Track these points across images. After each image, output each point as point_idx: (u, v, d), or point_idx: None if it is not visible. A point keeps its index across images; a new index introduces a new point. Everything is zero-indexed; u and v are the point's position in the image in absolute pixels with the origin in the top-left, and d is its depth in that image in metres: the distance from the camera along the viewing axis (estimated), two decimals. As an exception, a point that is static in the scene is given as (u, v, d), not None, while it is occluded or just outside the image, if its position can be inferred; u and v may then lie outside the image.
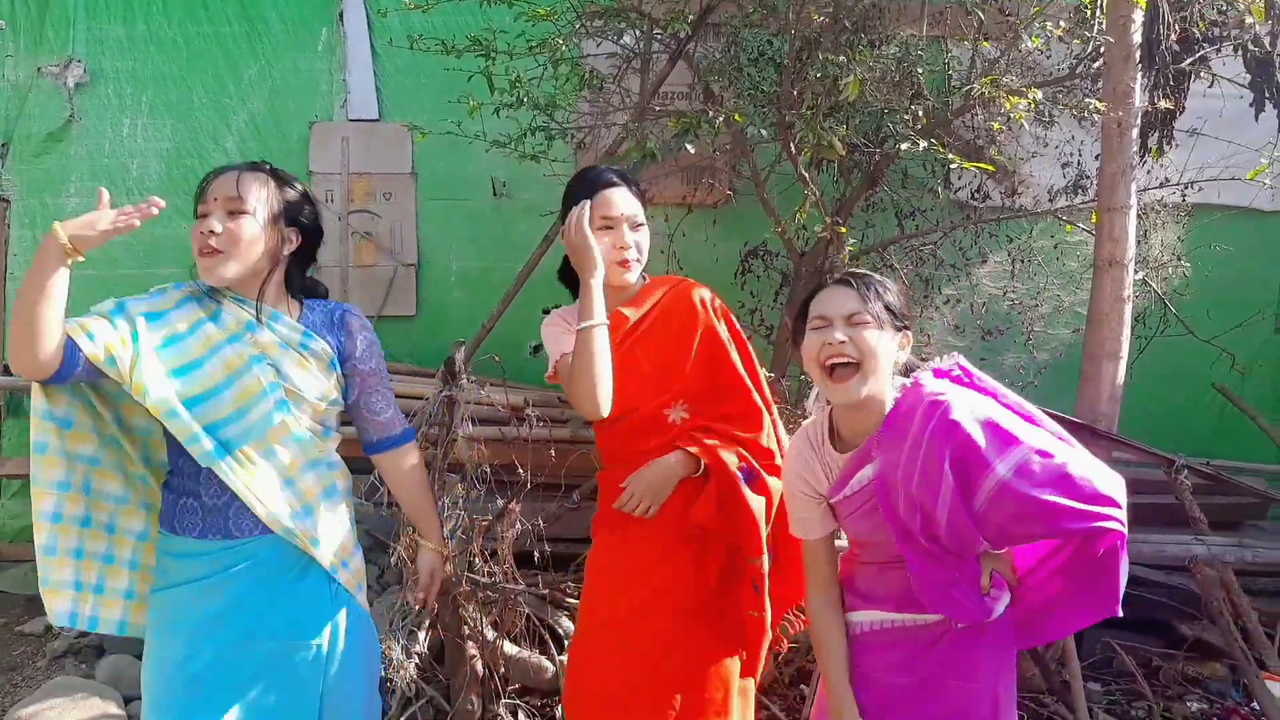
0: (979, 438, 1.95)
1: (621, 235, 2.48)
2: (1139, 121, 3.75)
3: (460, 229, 5.41)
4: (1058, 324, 4.98)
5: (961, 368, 2.19)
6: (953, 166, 3.40)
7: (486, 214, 5.38)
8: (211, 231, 2.09)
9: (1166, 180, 4.50)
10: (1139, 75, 3.66)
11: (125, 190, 5.25)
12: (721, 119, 3.56)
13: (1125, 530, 1.95)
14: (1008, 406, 2.09)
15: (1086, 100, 3.72)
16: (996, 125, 3.81)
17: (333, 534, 2.23)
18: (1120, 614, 2.09)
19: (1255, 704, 3.56)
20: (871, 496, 2.09)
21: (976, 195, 5.03)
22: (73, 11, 5.27)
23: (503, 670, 3.61)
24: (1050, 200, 4.90)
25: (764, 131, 3.74)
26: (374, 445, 2.42)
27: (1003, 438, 1.95)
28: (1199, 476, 3.79)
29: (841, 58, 3.44)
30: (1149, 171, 4.52)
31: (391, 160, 5.37)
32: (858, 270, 2.13)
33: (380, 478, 3.91)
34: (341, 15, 5.35)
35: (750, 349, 2.66)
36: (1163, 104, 4.01)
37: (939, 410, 1.98)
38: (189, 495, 2.14)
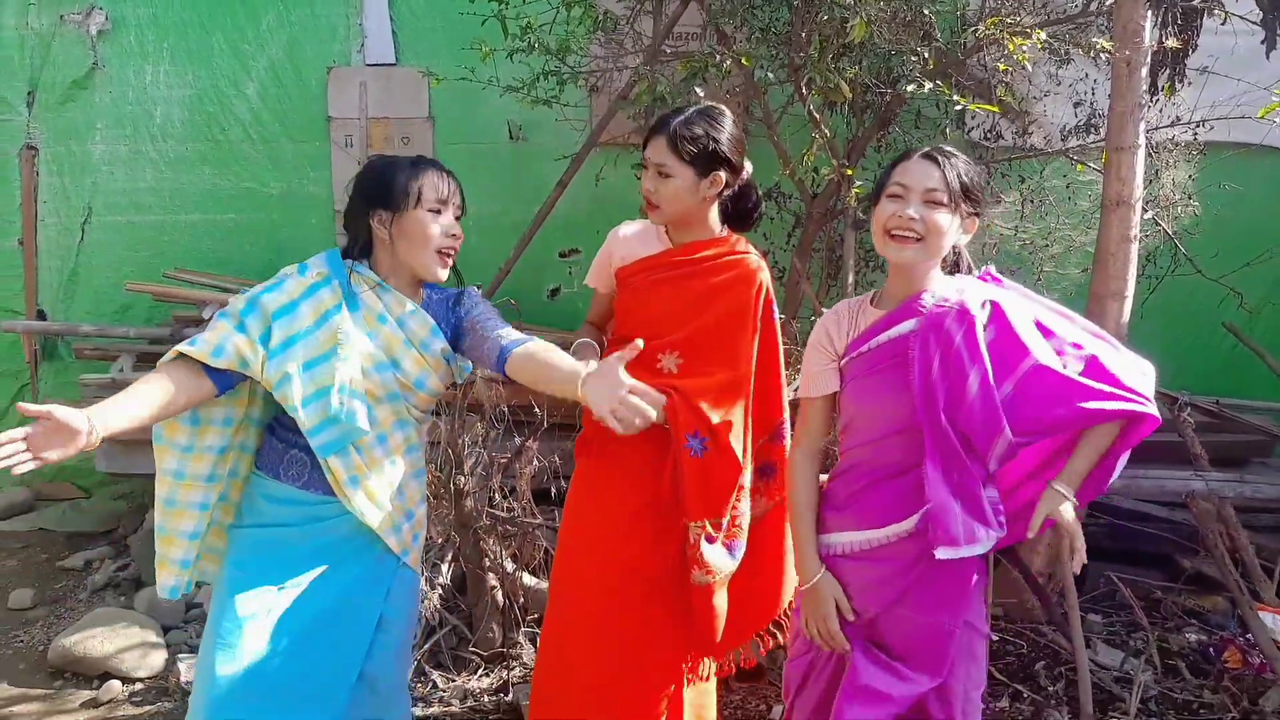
0: (1020, 327, 2.13)
1: (644, 180, 2.59)
2: (1148, 60, 3.74)
3: (478, 173, 5.42)
4: (1069, 264, 4.98)
5: (992, 276, 2.34)
6: (959, 107, 3.42)
7: (503, 158, 5.42)
8: (455, 235, 2.31)
9: (1178, 119, 4.48)
10: (1149, 12, 3.65)
11: (150, 137, 5.34)
12: (729, 61, 3.59)
13: (1155, 415, 2.08)
14: (1046, 306, 2.28)
15: (1094, 39, 3.71)
16: (1003, 66, 3.81)
17: (411, 520, 2.38)
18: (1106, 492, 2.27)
19: (1250, 635, 3.65)
20: (897, 353, 2.20)
21: (989, 135, 5.03)
22: (93, -42, 5.31)
23: (522, 600, 3.74)
24: (1062, 140, 4.89)
25: (771, 74, 3.75)
26: (504, 353, 2.29)
27: (1041, 329, 2.17)
28: (1202, 414, 3.85)
29: (849, -2, 3.45)
30: (1160, 110, 4.51)
31: (409, 105, 5.41)
32: (944, 146, 2.23)
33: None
34: (357, -41, 5.37)
35: (779, 355, 2.72)
36: (1171, 42, 3.99)
37: (988, 301, 2.19)
38: (300, 449, 2.25)
